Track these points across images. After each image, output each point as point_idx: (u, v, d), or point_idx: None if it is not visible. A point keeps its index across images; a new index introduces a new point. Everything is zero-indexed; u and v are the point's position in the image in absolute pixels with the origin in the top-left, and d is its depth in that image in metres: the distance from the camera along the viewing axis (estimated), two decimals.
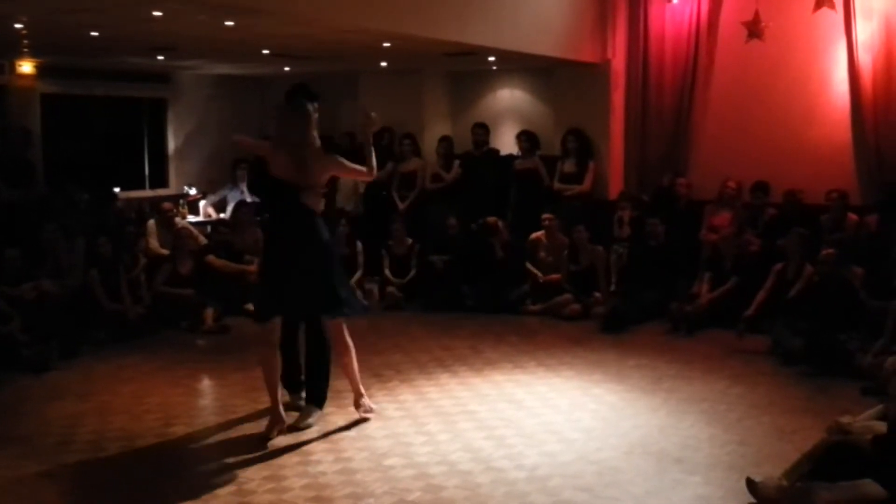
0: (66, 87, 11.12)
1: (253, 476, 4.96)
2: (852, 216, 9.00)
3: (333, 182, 12.17)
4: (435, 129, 11.81)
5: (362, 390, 5.96)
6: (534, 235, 9.77)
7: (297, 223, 5.50)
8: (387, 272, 10.02)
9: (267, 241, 5.83)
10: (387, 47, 8.85)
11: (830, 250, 7.64)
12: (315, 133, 5.58)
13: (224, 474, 4.99)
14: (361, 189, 11.70)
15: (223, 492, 4.76)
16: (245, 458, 5.25)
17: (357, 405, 5.94)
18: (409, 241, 10.14)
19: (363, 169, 5.72)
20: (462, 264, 9.81)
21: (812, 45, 9.72)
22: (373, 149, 5.79)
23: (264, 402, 6.30)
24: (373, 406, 5.99)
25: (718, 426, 5.81)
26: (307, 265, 5.48)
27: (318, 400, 5.93)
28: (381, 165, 11.30)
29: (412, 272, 9.97)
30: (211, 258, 9.56)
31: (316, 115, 5.64)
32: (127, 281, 8.55)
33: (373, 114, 5.85)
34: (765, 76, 9.96)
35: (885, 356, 6.51)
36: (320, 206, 5.65)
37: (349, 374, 5.88)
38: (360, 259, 9.96)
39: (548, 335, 8.42)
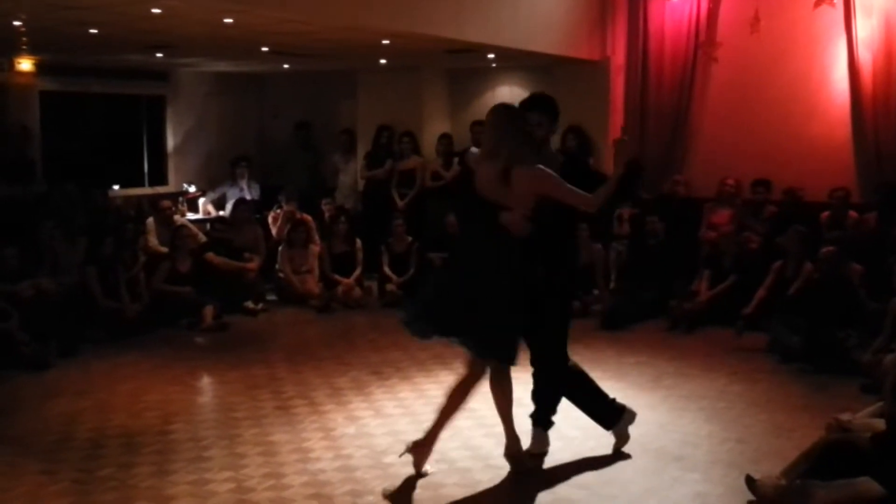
0: (64, 85, 11.10)
1: (252, 474, 4.95)
2: (852, 214, 9.00)
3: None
4: (434, 127, 11.79)
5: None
6: None
7: (485, 244, 4.81)
8: (386, 269, 10.01)
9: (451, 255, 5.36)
10: (385, 45, 8.83)
11: (830, 248, 7.64)
12: (528, 149, 4.83)
13: (223, 472, 4.99)
14: (360, 187, 11.72)
15: (222, 489, 4.76)
16: (244, 455, 5.24)
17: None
18: (409, 238, 10.12)
19: (585, 196, 4.76)
20: None
21: (812, 42, 9.69)
22: (616, 181, 4.81)
23: (263, 399, 6.33)
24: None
25: (717, 424, 5.81)
26: (477, 292, 4.75)
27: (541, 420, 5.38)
28: (380, 163, 11.41)
29: (411, 270, 9.95)
30: (210, 256, 9.56)
31: (543, 132, 5.11)
32: (126, 279, 8.54)
33: (625, 137, 5.15)
34: (764, 73, 9.94)
35: (884, 353, 6.51)
36: (523, 229, 4.73)
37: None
38: (360, 256, 9.98)
39: None
